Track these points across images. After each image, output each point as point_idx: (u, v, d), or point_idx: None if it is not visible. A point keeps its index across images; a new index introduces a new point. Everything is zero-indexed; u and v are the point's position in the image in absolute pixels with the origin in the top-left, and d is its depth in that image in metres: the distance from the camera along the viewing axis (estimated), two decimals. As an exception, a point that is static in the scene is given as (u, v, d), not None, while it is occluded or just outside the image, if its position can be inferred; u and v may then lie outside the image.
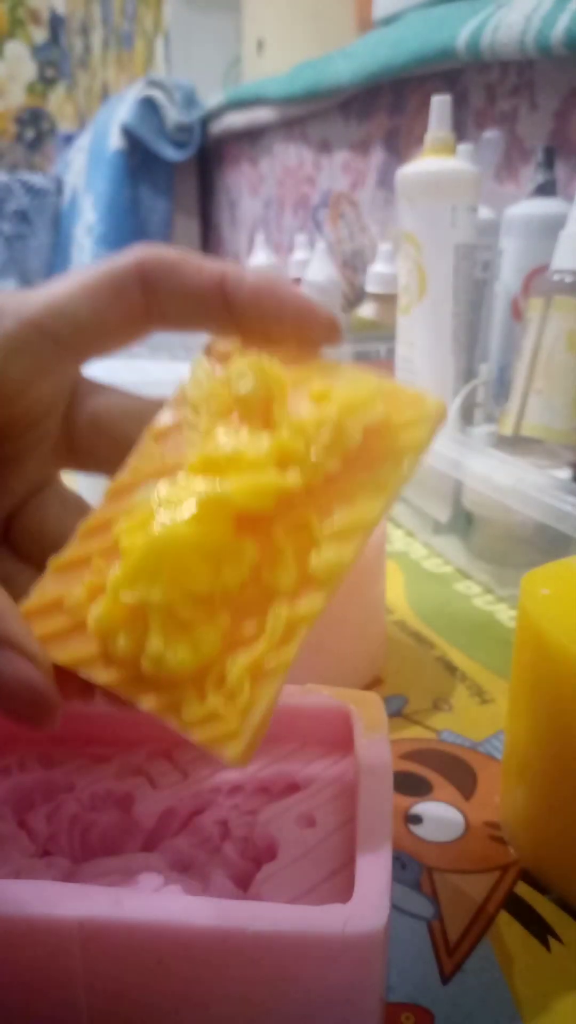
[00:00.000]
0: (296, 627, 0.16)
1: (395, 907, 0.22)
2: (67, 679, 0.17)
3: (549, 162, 0.44)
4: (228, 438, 0.17)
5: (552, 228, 0.38)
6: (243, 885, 0.18)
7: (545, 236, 0.41)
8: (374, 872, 0.17)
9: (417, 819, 0.25)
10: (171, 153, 1.19)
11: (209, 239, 1.34)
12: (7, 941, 0.16)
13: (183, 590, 0.16)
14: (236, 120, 1.07)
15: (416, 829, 0.25)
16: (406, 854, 0.24)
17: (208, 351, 0.19)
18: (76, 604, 0.17)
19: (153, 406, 0.20)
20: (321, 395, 0.18)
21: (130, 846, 0.20)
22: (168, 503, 0.17)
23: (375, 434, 0.17)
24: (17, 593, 0.17)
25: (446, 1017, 0.19)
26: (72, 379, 0.20)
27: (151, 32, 1.32)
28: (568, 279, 0.36)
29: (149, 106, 1.16)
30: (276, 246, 1.04)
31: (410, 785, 0.27)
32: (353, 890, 0.16)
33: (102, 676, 0.17)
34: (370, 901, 0.16)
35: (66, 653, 0.17)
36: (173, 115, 1.17)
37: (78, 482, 0.24)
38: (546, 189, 0.44)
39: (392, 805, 0.18)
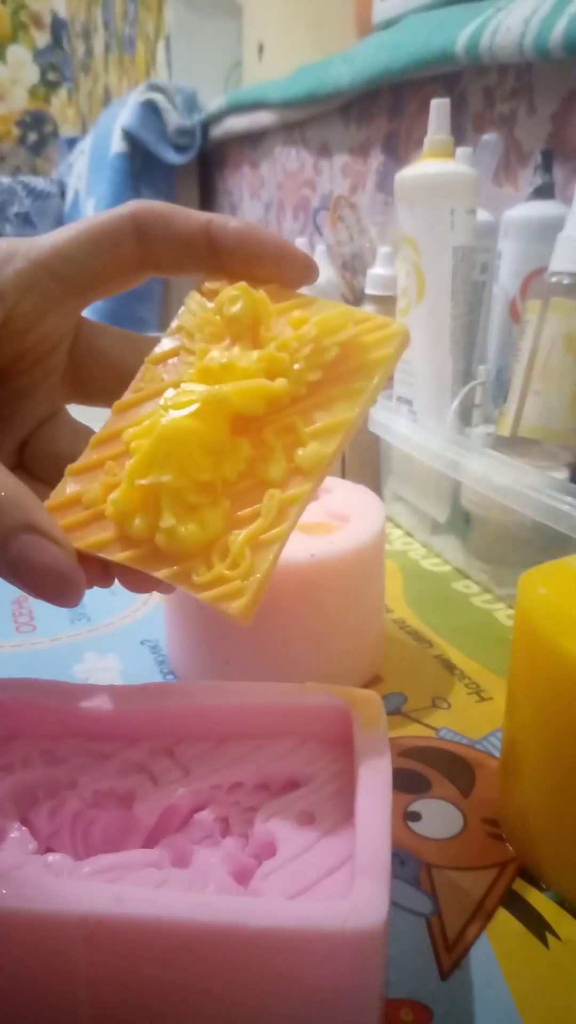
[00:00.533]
0: (288, 506, 0.19)
1: (394, 904, 0.22)
2: (88, 566, 0.19)
3: (547, 165, 0.45)
4: (222, 355, 0.20)
5: (550, 230, 0.39)
6: (243, 882, 0.18)
7: (543, 238, 0.41)
8: (373, 869, 0.17)
9: (416, 816, 0.26)
10: (172, 156, 1.19)
11: (210, 242, 1.34)
12: (9, 937, 0.16)
13: (189, 477, 0.19)
14: (237, 124, 1.07)
15: (415, 826, 0.25)
16: (405, 851, 0.24)
17: (199, 289, 0.22)
18: (93, 499, 0.20)
19: (150, 341, 0.23)
20: (300, 321, 0.21)
21: (132, 843, 0.20)
22: (172, 404, 0.20)
23: (349, 350, 0.20)
24: None
25: (445, 1013, 0.19)
26: (76, 318, 0.23)
27: (152, 36, 1.32)
28: (565, 281, 0.36)
29: (150, 110, 1.17)
30: (276, 249, 1.04)
31: (409, 782, 0.27)
32: (353, 887, 0.16)
33: (120, 555, 0.19)
34: (370, 898, 0.16)
35: (87, 540, 0.20)
36: (174, 119, 1.17)
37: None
38: (544, 192, 0.44)
39: (391, 802, 0.19)
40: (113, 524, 0.20)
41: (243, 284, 0.21)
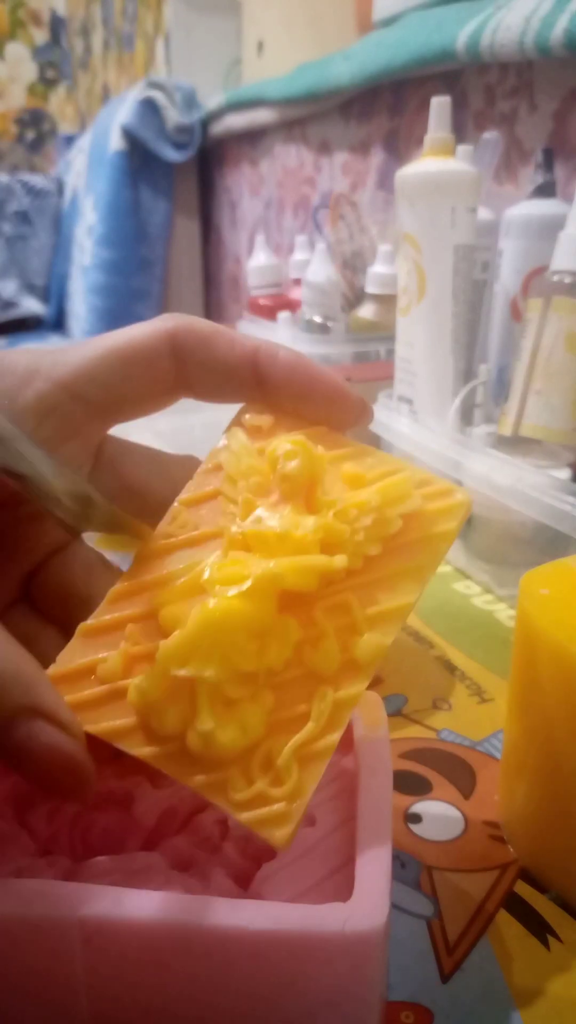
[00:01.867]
0: (341, 710, 0.16)
1: (395, 906, 0.22)
2: (94, 747, 0.16)
3: (548, 163, 0.45)
4: (273, 516, 0.18)
5: (551, 229, 0.39)
6: (243, 884, 0.18)
7: (544, 237, 0.41)
8: (374, 871, 0.17)
9: (417, 818, 0.26)
10: (171, 154, 1.19)
11: (209, 240, 1.34)
12: (8, 940, 0.16)
13: (232, 668, 0.16)
14: (236, 121, 1.07)
15: (416, 828, 0.25)
16: (406, 853, 0.24)
17: (241, 423, 0.20)
18: (110, 672, 0.17)
19: (178, 463, 0.20)
20: (354, 478, 0.18)
21: (131, 845, 0.20)
22: (220, 578, 0.17)
23: (411, 521, 0.18)
24: (39, 653, 0.17)
25: (446, 1015, 0.19)
26: (98, 441, 0.20)
27: (151, 33, 1.32)
28: (567, 280, 0.36)
29: (149, 107, 1.16)
30: (276, 247, 1.05)
31: (410, 784, 0.27)
32: (353, 889, 0.16)
33: (141, 750, 0.16)
34: (370, 900, 0.16)
35: (101, 724, 0.17)
36: (173, 116, 1.17)
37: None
38: (545, 190, 0.44)
39: (392, 804, 0.19)
40: (133, 709, 0.17)
41: (302, 439, 0.18)
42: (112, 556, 0.21)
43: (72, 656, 0.17)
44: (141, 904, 0.16)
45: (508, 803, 0.25)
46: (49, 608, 0.20)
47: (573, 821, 0.21)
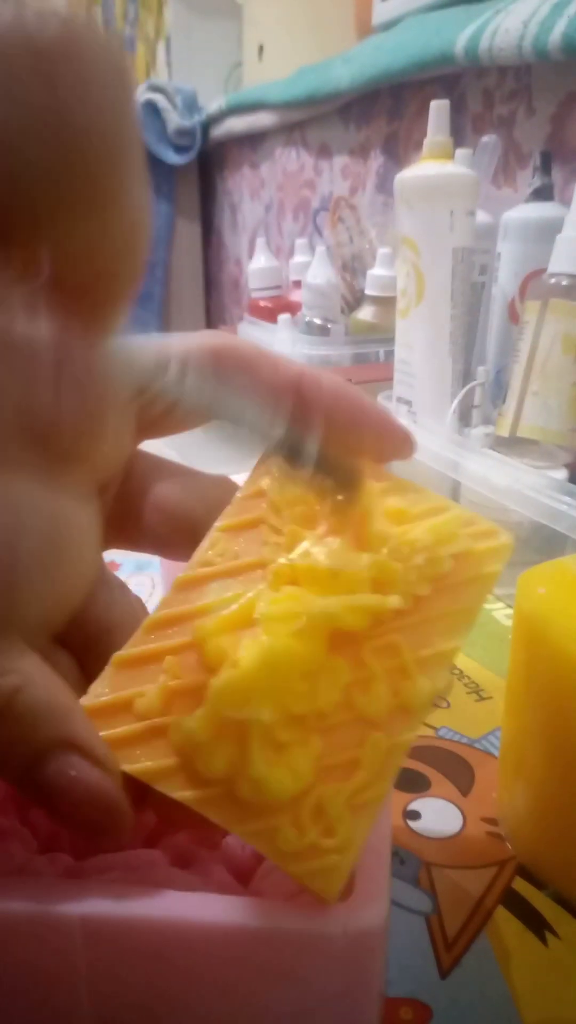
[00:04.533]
0: (393, 758, 0.16)
1: (394, 902, 0.22)
2: (124, 786, 0.15)
3: (546, 166, 0.45)
4: (322, 550, 0.17)
5: (549, 232, 0.39)
6: (244, 881, 0.18)
7: (542, 240, 0.41)
8: (373, 868, 0.17)
9: (415, 815, 0.26)
10: (172, 157, 1.19)
11: (210, 243, 1.34)
12: (9, 938, 0.16)
13: (283, 710, 0.15)
14: (237, 124, 1.07)
15: (414, 825, 0.25)
16: (405, 850, 0.24)
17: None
18: (149, 708, 0.16)
19: (213, 483, 0.20)
20: (397, 514, 0.18)
21: (131, 842, 0.20)
22: (275, 615, 0.16)
23: (460, 562, 0.17)
24: None
25: (444, 1011, 0.19)
26: (131, 454, 0.19)
27: (152, 37, 1.32)
28: (564, 282, 0.36)
29: (150, 110, 1.17)
30: (276, 250, 1.05)
31: (408, 781, 0.27)
32: (352, 886, 0.16)
33: (183, 793, 0.15)
34: (370, 896, 0.16)
35: (139, 763, 0.16)
36: (174, 119, 1.17)
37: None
38: (543, 193, 0.45)
39: (391, 801, 0.19)
40: (176, 749, 0.16)
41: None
42: (143, 583, 0.19)
43: (106, 688, 0.16)
44: (142, 901, 0.16)
45: (506, 800, 0.25)
46: (68, 637, 0.19)
47: (571, 818, 0.22)
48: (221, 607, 0.17)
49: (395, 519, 0.18)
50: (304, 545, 0.17)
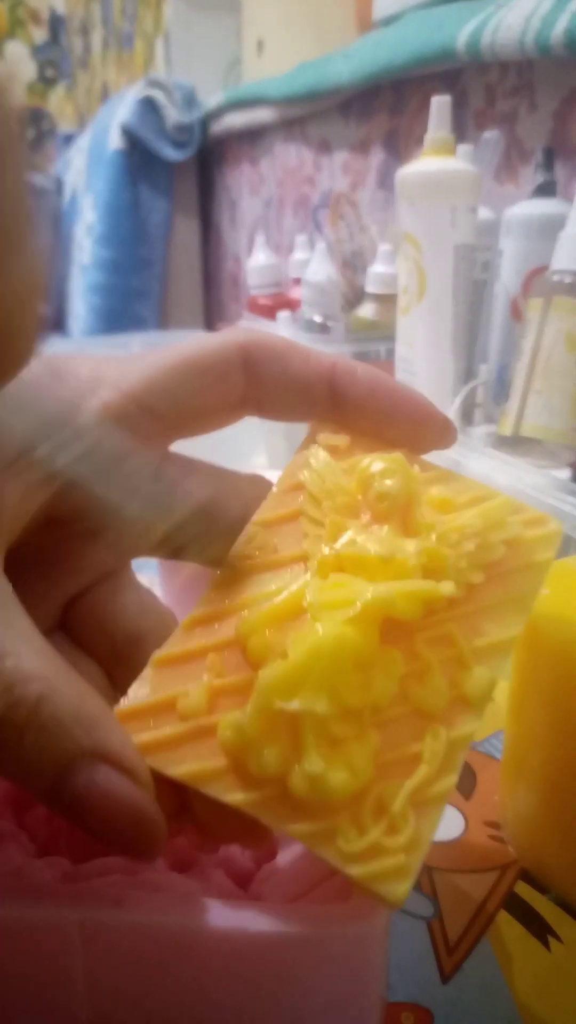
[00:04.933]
0: (456, 751, 0.15)
1: (395, 907, 0.22)
2: (159, 795, 0.15)
3: (549, 163, 0.45)
4: (370, 538, 0.16)
5: (552, 229, 0.39)
6: (243, 885, 0.18)
7: (544, 237, 0.41)
8: (374, 871, 0.16)
9: (417, 819, 0.26)
10: (171, 153, 1.19)
11: (209, 239, 1.34)
12: (8, 941, 0.16)
13: (339, 702, 0.15)
14: (236, 120, 1.07)
15: (416, 829, 0.25)
16: (406, 854, 0.24)
17: (315, 441, 0.18)
18: (194, 708, 0.15)
19: (247, 482, 0.19)
20: (443, 503, 0.17)
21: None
22: (327, 602, 0.15)
23: (511, 549, 0.17)
24: None
25: (446, 1016, 0.19)
26: (160, 455, 0.19)
27: (151, 32, 1.32)
28: (567, 280, 0.36)
29: (149, 106, 1.16)
30: (276, 246, 1.04)
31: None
32: (353, 890, 0.16)
33: (235, 795, 0.15)
34: (370, 901, 0.16)
35: (185, 766, 0.15)
36: (173, 115, 1.17)
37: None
38: (545, 190, 0.44)
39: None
40: (223, 750, 0.15)
41: (399, 456, 0.17)
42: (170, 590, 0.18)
43: (146, 689, 0.16)
44: (140, 905, 0.16)
45: (508, 804, 0.25)
46: (87, 640, 0.19)
47: (574, 821, 0.21)
48: (264, 600, 0.16)
49: (440, 508, 0.17)
50: (348, 534, 0.17)
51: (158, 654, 0.16)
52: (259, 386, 0.18)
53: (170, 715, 0.15)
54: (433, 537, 0.17)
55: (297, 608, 0.16)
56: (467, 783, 0.27)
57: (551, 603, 0.22)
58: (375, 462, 0.17)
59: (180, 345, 0.18)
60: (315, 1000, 0.16)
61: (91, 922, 0.15)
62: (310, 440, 0.19)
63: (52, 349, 0.19)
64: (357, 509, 0.17)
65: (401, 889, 0.14)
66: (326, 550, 0.17)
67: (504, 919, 0.22)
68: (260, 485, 0.19)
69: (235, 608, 0.16)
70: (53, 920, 0.15)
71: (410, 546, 0.16)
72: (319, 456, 0.18)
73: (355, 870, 0.14)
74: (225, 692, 0.15)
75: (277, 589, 0.16)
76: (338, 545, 0.17)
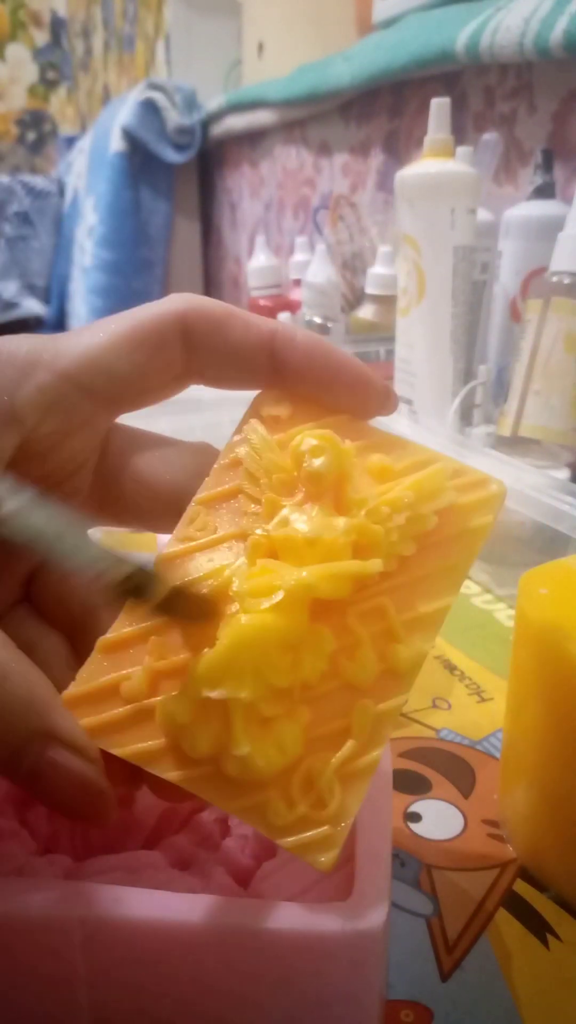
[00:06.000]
0: (383, 725, 0.16)
1: (394, 905, 0.22)
2: (111, 766, 0.16)
3: (548, 164, 0.45)
4: (300, 519, 0.17)
5: (550, 230, 0.39)
6: (243, 883, 0.18)
7: (543, 238, 0.41)
8: (373, 870, 0.17)
9: (416, 817, 0.26)
10: (172, 155, 1.19)
11: (210, 241, 1.34)
12: (8, 939, 0.16)
13: (266, 685, 0.15)
14: (236, 122, 1.07)
15: (415, 827, 0.25)
16: (405, 852, 0.24)
17: (258, 413, 0.18)
18: (135, 691, 0.16)
19: (191, 451, 0.19)
20: (382, 470, 0.17)
21: (131, 844, 0.20)
22: (251, 590, 0.16)
23: (446, 516, 0.17)
24: (39, 660, 0.16)
25: (445, 1014, 0.19)
26: (104, 432, 0.19)
27: (152, 35, 1.32)
28: (566, 281, 0.36)
29: (150, 108, 1.17)
30: (276, 248, 1.05)
31: (409, 783, 0.27)
32: (353, 888, 0.16)
33: (173, 773, 0.16)
34: (370, 899, 0.16)
35: (128, 746, 0.16)
36: (174, 117, 1.17)
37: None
38: (544, 191, 0.44)
39: (391, 803, 0.19)
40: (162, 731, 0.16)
41: (329, 434, 0.17)
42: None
43: (93, 673, 0.16)
44: (141, 903, 0.16)
45: (507, 802, 0.25)
46: (51, 612, 0.19)
47: (573, 819, 0.21)
48: (202, 582, 0.16)
49: (379, 476, 0.17)
50: (283, 513, 0.17)
51: (103, 638, 0.17)
52: (199, 356, 0.18)
53: (114, 698, 0.16)
54: (363, 513, 0.17)
55: (227, 594, 0.16)
56: (466, 781, 0.27)
57: (550, 603, 0.22)
58: (306, 439, 0.17)
59: (117, 317, 0.18)
60: (315, 998, 0.16)
61: (92, 920, 0.15)
62: (252, 413, 0.19)
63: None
64: (293, 486, 0.17)
65: (328, 858, 0.15)
66: (259, 532, 0.17)
67: (503, 917, 0.22)
68: (206, 453, 0.19)
69: None
70: (54, 918, 0.16)
71: (340, 524, 0.16)
72: (257, 431, 0.18)
73: (285, 842, 0.15)
74: (165, 675, 0.16)
75: (213, 571, 0.17)
76: (270, 526, 0.17)
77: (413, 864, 0.24)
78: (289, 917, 0.15)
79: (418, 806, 0.26)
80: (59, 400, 0.17)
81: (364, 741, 0.16)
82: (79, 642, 0.19)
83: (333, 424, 0.18)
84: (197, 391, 0.20)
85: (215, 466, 0.18)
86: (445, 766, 0.28)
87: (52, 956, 0.16)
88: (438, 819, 0.25)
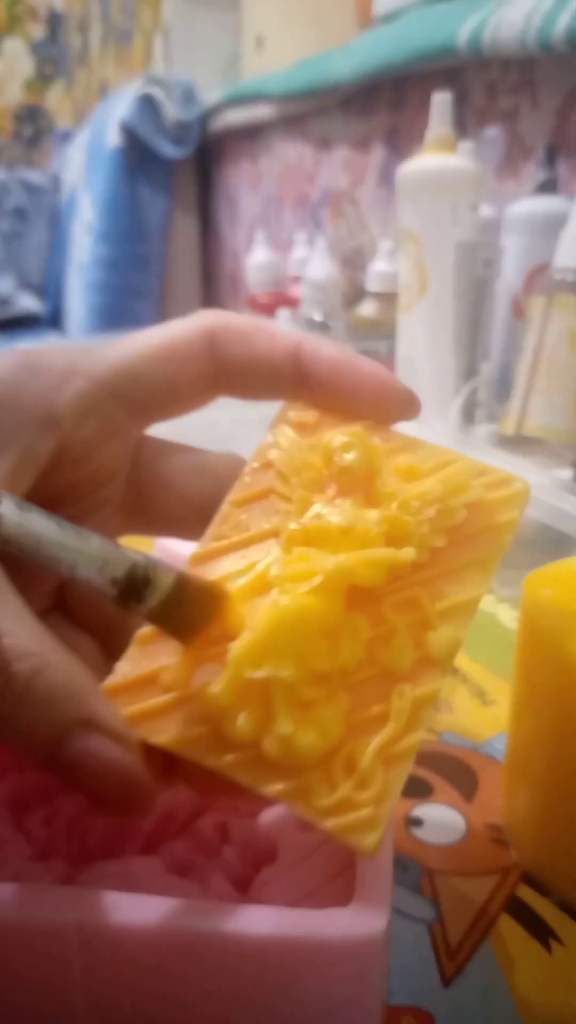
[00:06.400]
0: (421, 708, 0.16)
1: (396, 910, 0.22)
2: (146, 761, 0.16)
3: (550, 160, 0.44)
4: (333, 511, 0.17)
5: (554, 226, 0.38)
6: (242, 888, 0.18)
7: (546, 234, 0.40)
8: (375, 875, 0.16)
9: (418, 822, 0.25)
10: (170, 150, 1.19)
11: (208, 237, 1.34)
12: (5, 945, 0.16)
13: (306, 668, 0.16)
14: (235, 117, 1.07)
15: (417, 832, 0.25)
16: (407, 857, 0.24)
17: (286, 419, 0.19)
18: (175, 680, 0.16)
19: (221, 461, 0.20)
20: (408, 471, 0.18)
21: (129, 849, 0.20)
22: (290, 575, 0.16)
23: (474, 511, 0.18)
24: None
25: (447, 1020, 0.19)
26: (136, 441, 0.20)
27: (150, 29, 1.32)
28: (570, 278, 0.36)
29: (148, 103, 1.16)
30: (276, 244, 1.04)
31: (411, 787, 0.27)
32: (353, 893, 0.16)
33: (214, 759, 0.16)
34: (371, 904, 0.16)
35: (168, 734, 0.16)
36: (172, 112, 1.16)
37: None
38: (547, 187, 0.44)
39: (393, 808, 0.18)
40: (203, 717, 0.16)
41: (359, 430, 0.18)
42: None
43: (131, 665, 0.17)
44: (139, 909, 0.16)
45: (511, 806, 0.25)
46: (84, 616, 0.20)
47: (576, 824, 0.21)
48: (237, 577, 0.17)
49: (406, 476, 0.18)
50: (315, 508, 0.18)
51: (141, 632, 0.17)
52: (227, 368, 0.19)
53: (153, 688, 0.17)
54: (394, 506, 0.17)
55: (265, 583, 0.17)
56: (469, 785, 0.27)
57: (553, 603, 0.22)
58: (337, 436, 0.18)
59: (150, 331, 0.19)
60: (315, 1004, 0.16)
61: (89, 925, 0.15)
62: (281, 419, 0.19)
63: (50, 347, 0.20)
64: (323, 483, 0.18)
65: (372, 839, 0.15)
66: (293, 525, 0.17)
67: (506, 922, 0.22)
68: (234, 463, 0.20)
69: None
70: (51, 923, 0.15)
71: (372, 516, 0.17)
72: (286, 434, 0.19)
73: (328, 823, 0.15)
74: (204, 662, 0.16)
75: (249, 565, 0.17)
76: (304, 520, 0.17)
77: (415, 869, 0.23)
78: (289, 923, 0.15)
79: (420, 811, 0.26)
80: (96, 406, 0.18)
81: (403, 724, 0.16)
82: (112, 645, 0.19)
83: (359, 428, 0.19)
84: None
85: (246, 469, 0.19)
86: (447, 770, 0.28)
87: (49, 962, 0.16)
88: (440, 824, 0.25)
